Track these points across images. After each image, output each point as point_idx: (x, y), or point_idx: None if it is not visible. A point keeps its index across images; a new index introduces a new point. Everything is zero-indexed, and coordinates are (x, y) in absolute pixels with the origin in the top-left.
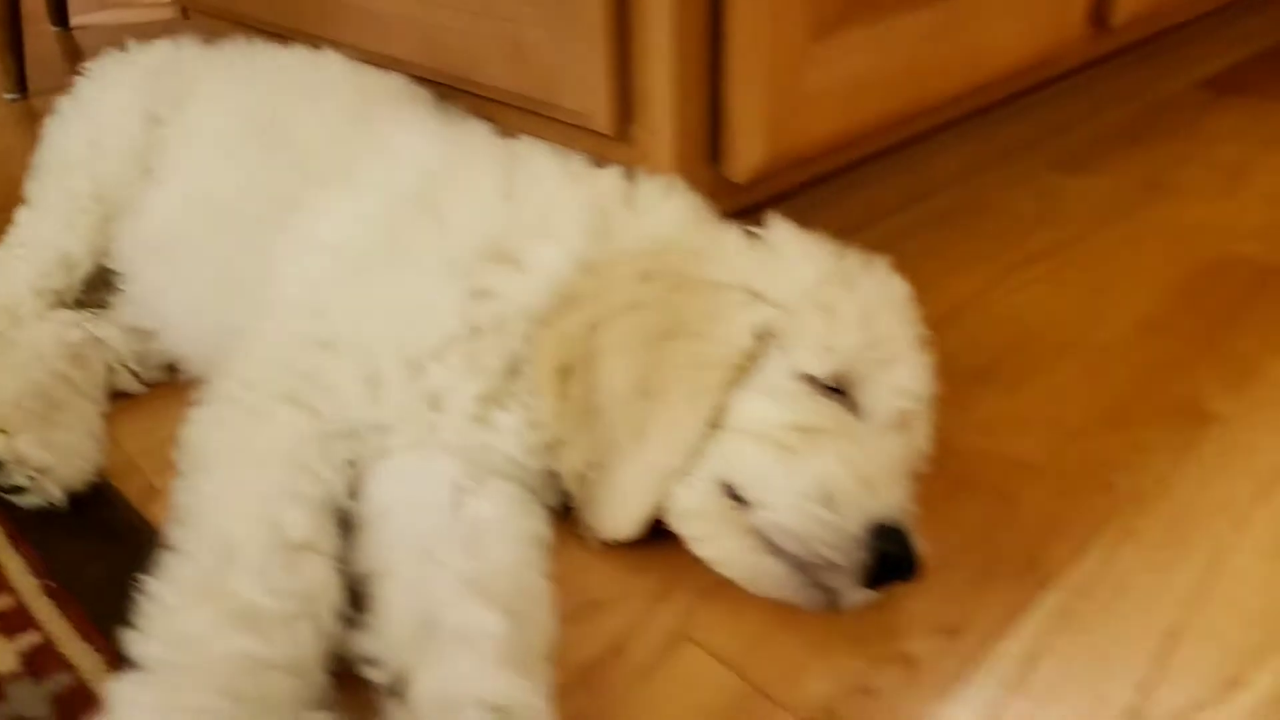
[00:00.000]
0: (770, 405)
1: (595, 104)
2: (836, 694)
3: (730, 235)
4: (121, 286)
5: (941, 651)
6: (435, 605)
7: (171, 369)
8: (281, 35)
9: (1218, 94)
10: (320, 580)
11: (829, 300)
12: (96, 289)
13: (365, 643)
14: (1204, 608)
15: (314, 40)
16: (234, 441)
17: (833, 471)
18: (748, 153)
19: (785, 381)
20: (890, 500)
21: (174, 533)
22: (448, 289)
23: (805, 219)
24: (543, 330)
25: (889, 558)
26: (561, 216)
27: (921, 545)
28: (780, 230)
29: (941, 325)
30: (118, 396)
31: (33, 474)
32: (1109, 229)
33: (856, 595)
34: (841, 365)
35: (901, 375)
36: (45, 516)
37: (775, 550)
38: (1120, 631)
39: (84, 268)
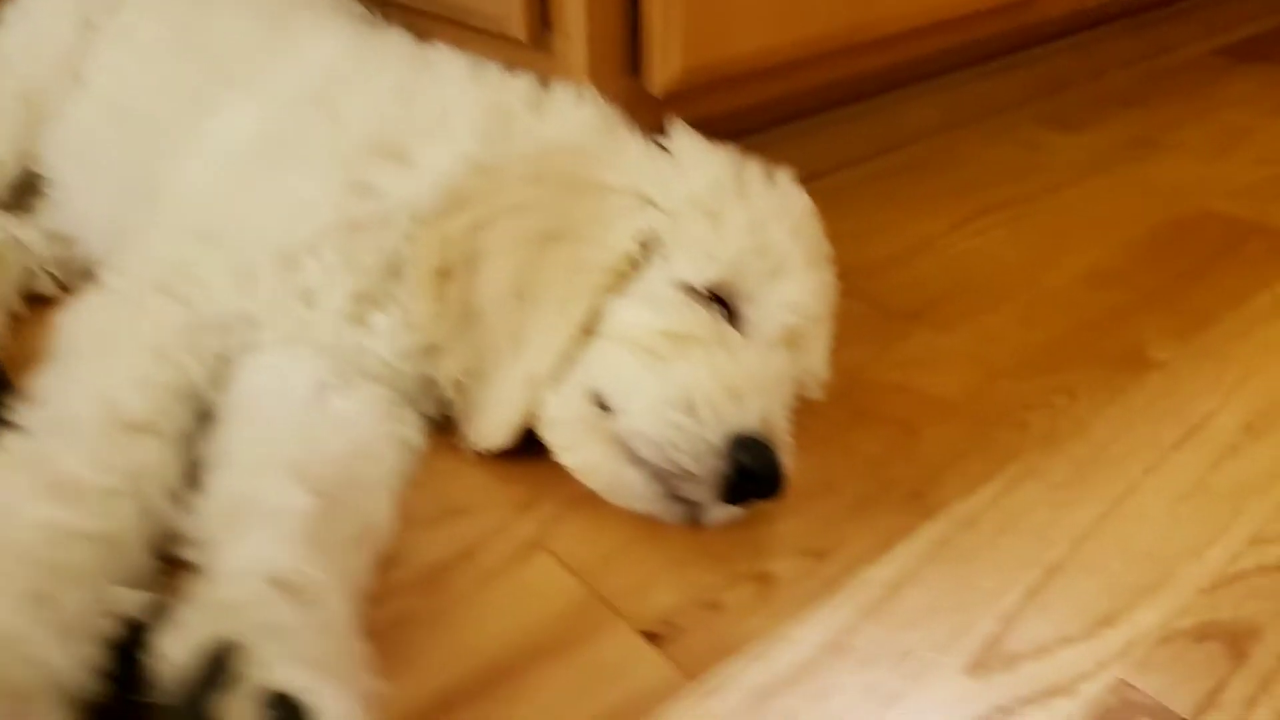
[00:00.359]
0: (645, 312)
1: (510, 10)
2: (681, 607)
3: (632, 142)
4: (47, 191)
5: (803, 573)
6: (256, 487)
7: (93, 275)
8: None
9: (1235, 61)
10: (153, 461)
11: (716, 207)
12: (26, 193)
13: (186, 523)
14: (1093, 545)
15: None
16: (102, 327)
17: (697, 379)
18: (665, 63)
19: (664, 289)
20: (756, 414)
21: (24, 413)
22: (327, 182)
23: (767, 159)
24: (424, 230)
25: (748, 471)
26: (459, 117)
27: (789, 463)
28: (682, 138)
29: (888, 265)
30: (39, 301)
31: None
32: (1086, 183)
33: (718, 510)
34: (723, 274)
35: (789, 290)
36: None
37: (636, 459)
38: (998, 564)
39: (9, 170)
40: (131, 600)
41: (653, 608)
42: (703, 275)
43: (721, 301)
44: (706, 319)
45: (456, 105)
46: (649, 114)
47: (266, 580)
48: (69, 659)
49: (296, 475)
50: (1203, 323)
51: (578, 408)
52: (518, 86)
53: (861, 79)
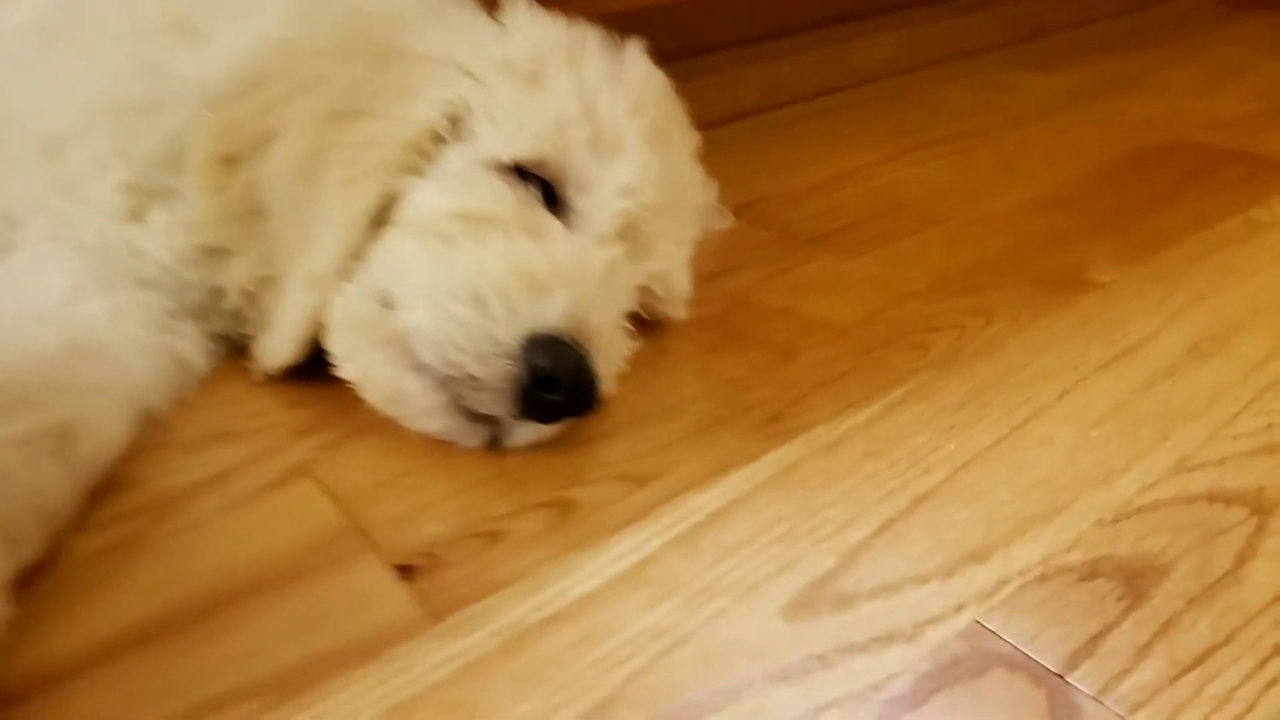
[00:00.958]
0: (441, 194)
1: None
2: (451, 538)
3: (459, 11)
4: None
5: (613, 500)
6: None
7: None
8: None
9: (1235, 8)
10: None
11: (535, 73)
12: None
13: None
14: (977, 473)
15: None
16: None
17: (488, 267)
18: None
19: (468, 167)
20: (562, 310)
21: None
22: (103, 62)
23: (699, 93)
24: (210, 113)
25: (546, 376)
26: None
27: (606, 372)
28: (517, 8)
29: (804, 195)
30: None
31: None
32: (1054, 118)
33: (521, 431)
34: (538, 149)
35: (621, 171)
36: None
37: (417, 365)
38: (853, 492)
39: None
40: None
41: (416, 539)
42: (512, 149)
43: (545, 186)
44: (511, 199)
45: None
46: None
47: None
48: None
49: None
50: (1158, 246)
51: (358, 307)
52: None
53: (799, 6)
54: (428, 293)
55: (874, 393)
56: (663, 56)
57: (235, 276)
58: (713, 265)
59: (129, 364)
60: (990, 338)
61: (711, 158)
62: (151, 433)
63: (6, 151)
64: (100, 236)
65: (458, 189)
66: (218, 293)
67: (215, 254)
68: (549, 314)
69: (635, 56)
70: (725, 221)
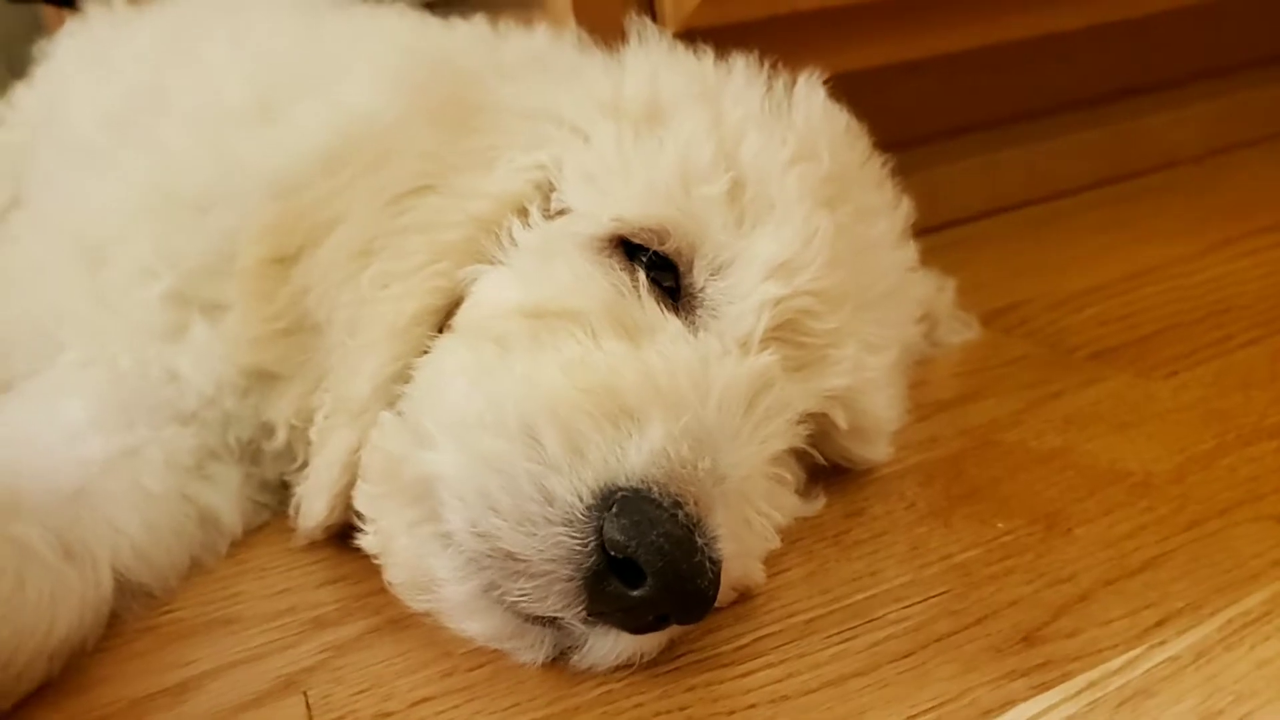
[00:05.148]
0: (510, 283)
1: None
2: None
3: (571, 55)
4: None
5: None
6: None
7: None
8: None
9: None
10: None
11: (656, 115)
12: None
13: None
14: None
15: None
16: None
17: (546, 383)
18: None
19: (553, 243)
20: (655, 448)
21: None
22: (159, 151)
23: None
24: (266, 204)
25: (626, 560)
26: (360, 64)
27: (727, 549)
28: (644, 43)
29: (1083, 297)
30: None
31: None
32: None
33: (600, 642)
34: (651, 212)
35: (775, 241)
36: None
37: (445, 534)
38: None
39: None
40: None
41: None
42: (613, 213)
43: (668, 265)
44: (600, 286)
45: (367, 53)
46: None
47: None
48: None
49: None
50: None
51: (389, 445)
52: (467, 30)
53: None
54: (457, 422)
55: (1208, 598)
56: (896, 138)
57: (283, 407)
58: (945, 390)
59: (121, 525)
60: None
61: (955, 257)
62: (140, 612)
63: (49, 257)
64: (137, 361)
65: (531, 275)
66: (266, 429)
67: (262, 379)
68: (636, 457)
69: (807, 91)
70: (968, 331)
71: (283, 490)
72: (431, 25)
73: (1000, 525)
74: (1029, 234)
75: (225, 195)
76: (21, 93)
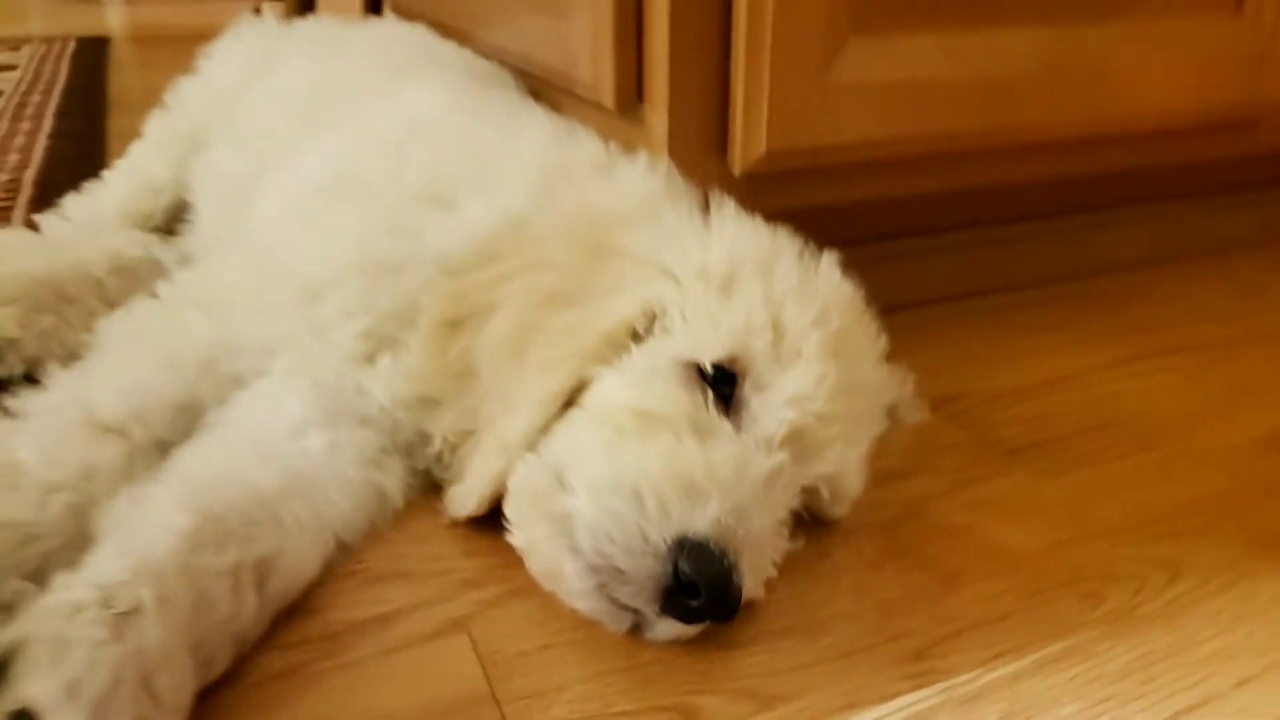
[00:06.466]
0: (624, 386)
1: (602, 79)
2: None
3: (675, 213)
4: (190, 217)
5: (735, 716)
6: (148, 497)
7: None
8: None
9: None
10: (108, 462)
11: (729, 281)
12: (177, 218)
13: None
14: None
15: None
16: (132, 332)
17: (650, 466)
18: (747, 143)
19: (656, 363)
20: (712, 516)
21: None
22: (366, 222)
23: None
24: (445, 280)
25: (688, 583)
26: (516, 174)
27: (751, 583)
28: (724, 210)
29: (1011, 396)
30: None
31: None
32: None
33: (664, 626)
34: (725, 353)
35: (796, 381)
36: None
37: (574, 547)
38: None
39: (165, 195)
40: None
41: None
42: (698, 352)
43: (727, 386)
44: (683, 401)
45: (518, 162)
46: (739, 197)
47: (93, 589)
48: None
49: (189, 495)
50: None
51: (535, 479)
52: (589, 151)
53: (1030, 196)
54: (593, 482)
55: (1031, 643)
56: (890, 233)
57: (442, 425)
58: (895, 464)
59: (335, 500)
60: (1173, 599)
61: (922, 337)
62: (342, 562)
63: (277, 293)
64: (335, 375)
65: (638, 385)
66: (424, 437)
67: (428, 403)
68: (700, 520)
69: (828, 267)
70: (918, 414)
71: (426, 476)
72: (564, 143)
73: (914, 578)
74: (984, 321)
75: (409, 262)
76: (188, 86)
